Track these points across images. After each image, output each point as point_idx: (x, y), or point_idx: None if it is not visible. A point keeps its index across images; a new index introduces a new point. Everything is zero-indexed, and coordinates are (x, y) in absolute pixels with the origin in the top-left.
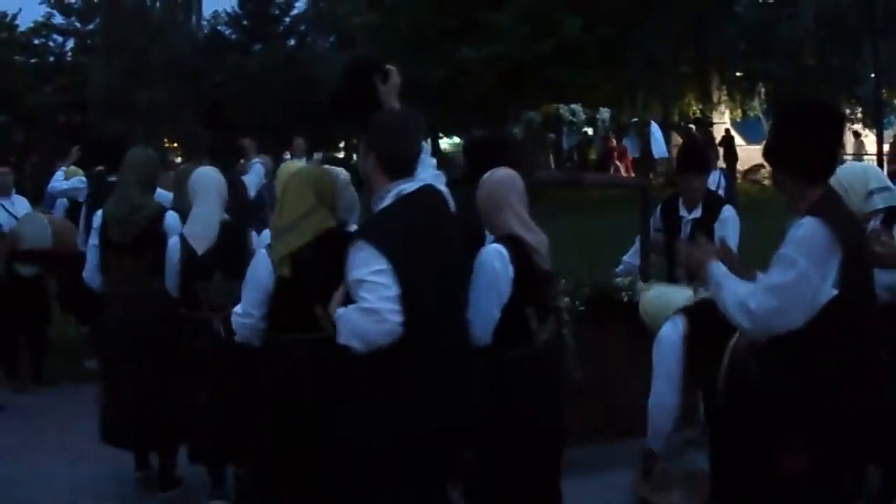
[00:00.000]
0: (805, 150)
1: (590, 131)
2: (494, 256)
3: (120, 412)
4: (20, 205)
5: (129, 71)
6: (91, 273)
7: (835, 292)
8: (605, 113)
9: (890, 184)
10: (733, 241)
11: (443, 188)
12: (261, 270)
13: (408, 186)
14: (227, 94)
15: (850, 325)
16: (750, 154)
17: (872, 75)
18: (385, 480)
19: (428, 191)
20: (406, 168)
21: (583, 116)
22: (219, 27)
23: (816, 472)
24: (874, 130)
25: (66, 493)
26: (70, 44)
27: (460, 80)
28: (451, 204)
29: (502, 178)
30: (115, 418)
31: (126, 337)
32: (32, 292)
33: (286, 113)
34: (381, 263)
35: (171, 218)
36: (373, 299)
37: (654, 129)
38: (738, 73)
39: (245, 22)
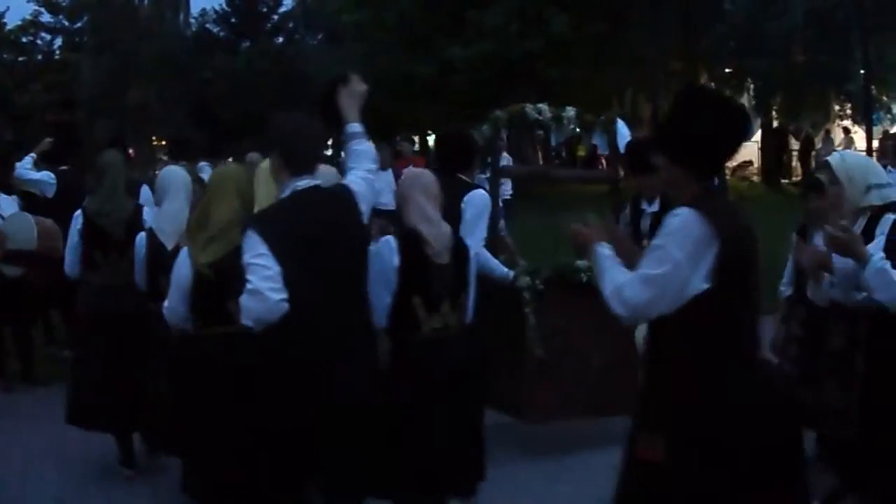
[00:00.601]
0: (696, 142)
1: (577, 129)
2: (384, 246)
3: (93, 395)
4: (6, 205)
5: (118, 69)
6: (72, 267)
7: (706, 286)
8: (570, 111)
9: (890, 180)
10: None
11: (357, 188)
12: (183, 270)
13: (303, 183)
14: (215, 91)
15: (721, 320)
16: (739, 151)
17: (862, 71)
18: (297, 457)
19: (326, 188)
20: (303, 166)
21: (549, 115)
22: (207, 25)
23: (678, 465)
24: (863, 127)
25: (54, 495)
26: (58, 42)
27: (449, 78)
28: (359, 202)
29: (411, 176)
30: (86, 401)
31: (109, 324)
32: (17, 290)
33: (274, 110)
34: (263, 248)
35: (148, 213)
36: (255, 280)
37: (621, 125)
38: (727, 70)
39: (233, 19)
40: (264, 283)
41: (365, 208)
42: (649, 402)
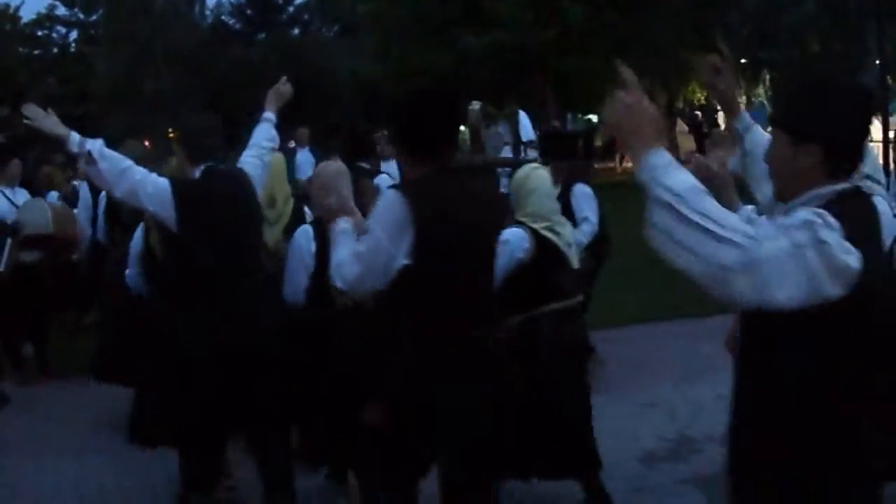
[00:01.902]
0: (410, 130)
1: (594, 118)
2: (301, 234)
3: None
4: (20, 195)
5: (133, 62)
6: (105, 236)
7: (406, 262)
8: (476, 105)
9: (877, 173)
10: (589, 213)
11: (248, 170)
12: (137, 243)
13: (211, 166)
14: (230, 84)
15: (425, 294)
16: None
17: (877, 61)
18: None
19: (225, 169)
20: (203, 156)
21: None
22: (222, 17)
23: (389, 431)
24: (879, 117)
25: (71, 486)
26: (73, 35)
27: (464, 69)
28: (249, 180)
29: (334, 171)
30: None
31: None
32: (32, 281)
33: (290, 102)
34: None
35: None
36: None
37: (522, 116)
38: (742, 60)
39: (248, 11)
40: None
41: (258, 188)
42: (373, 369)
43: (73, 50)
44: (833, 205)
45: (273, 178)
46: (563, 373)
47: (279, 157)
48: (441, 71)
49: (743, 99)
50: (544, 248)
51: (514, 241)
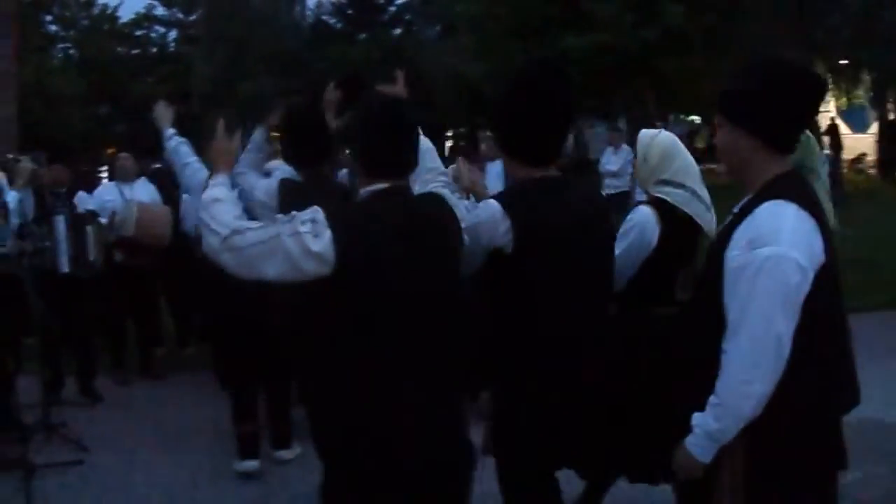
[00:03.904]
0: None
1: (697, 119)
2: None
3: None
4: (141, 190)
5: (232, 61)
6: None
7: None
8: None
9: (688, 183)
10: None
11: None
12: None
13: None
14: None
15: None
16: (855, 143)
17: None
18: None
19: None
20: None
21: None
22: (323, 17)
23: None
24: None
25: (162, 484)
26: (172, 35)
27: (565, 69)
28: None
29: None
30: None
31: None
32: (140, 282)
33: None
34: None
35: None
36: None
37: None
38: (842, 61)
39: (350, 11)
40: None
41: None
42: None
43: (171, 50)
44: (362, 204)
45: None
46: None
47: None
48: None
49: (844, 100)
50: None
51: None
